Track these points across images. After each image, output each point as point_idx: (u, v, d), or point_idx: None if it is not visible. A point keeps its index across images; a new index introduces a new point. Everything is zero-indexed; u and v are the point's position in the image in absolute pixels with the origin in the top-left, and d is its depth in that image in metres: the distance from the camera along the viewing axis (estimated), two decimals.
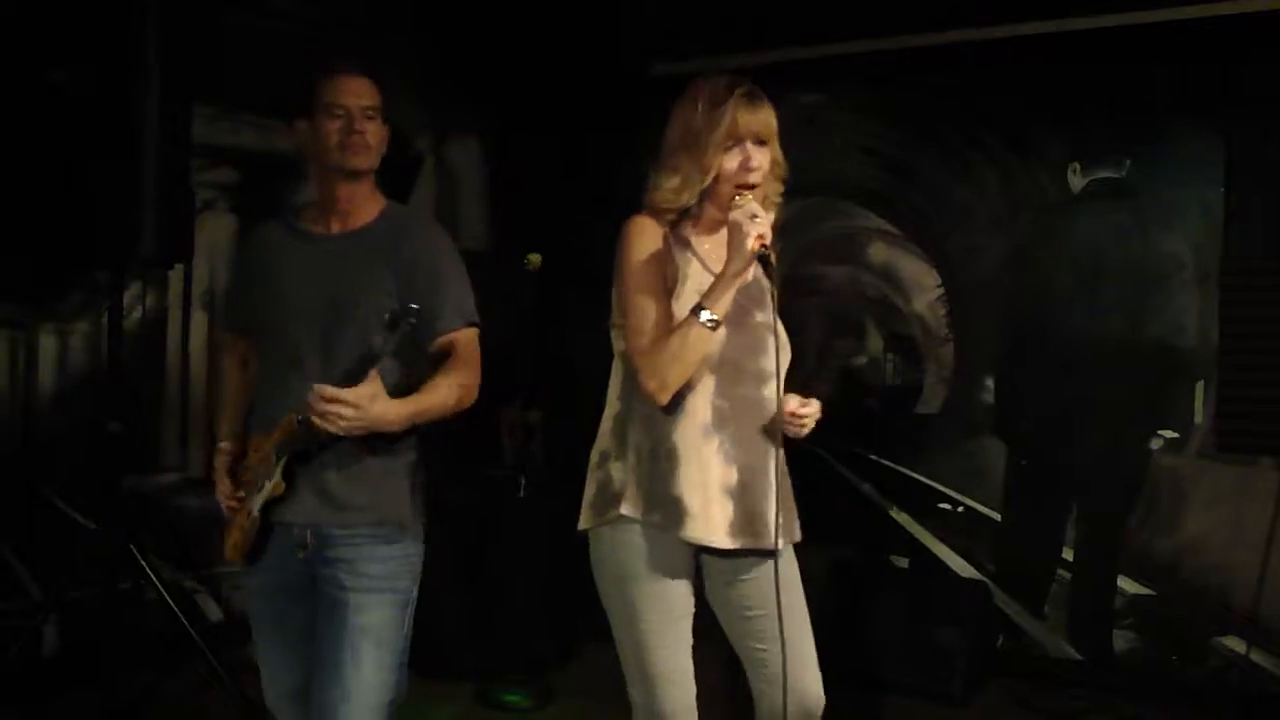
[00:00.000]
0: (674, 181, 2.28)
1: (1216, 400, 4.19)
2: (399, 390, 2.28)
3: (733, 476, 2.26)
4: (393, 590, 2.34)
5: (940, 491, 4.76)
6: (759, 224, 2.15)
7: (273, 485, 2.32)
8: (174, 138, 3.44)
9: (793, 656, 2.31)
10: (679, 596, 2.31)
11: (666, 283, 2.28)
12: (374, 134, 2.37)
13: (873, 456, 4.91)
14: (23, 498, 3.96)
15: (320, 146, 2.36)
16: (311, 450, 2.29)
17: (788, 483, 2.37)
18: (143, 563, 3.54)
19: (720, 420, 2.27)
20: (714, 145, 2.24)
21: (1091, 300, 4.42)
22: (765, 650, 2.33)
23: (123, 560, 3.52)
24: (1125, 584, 4.35)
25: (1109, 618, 4.37)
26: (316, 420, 2.16)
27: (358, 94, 2.35)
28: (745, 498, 2.27)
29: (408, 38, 4.87)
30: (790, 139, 2.37)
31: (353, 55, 2.40)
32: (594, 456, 2.38)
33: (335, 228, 2.41)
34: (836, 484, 4.93)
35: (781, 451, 2.33)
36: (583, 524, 2.36)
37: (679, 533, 2.24)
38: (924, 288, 4.89)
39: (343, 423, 2.15)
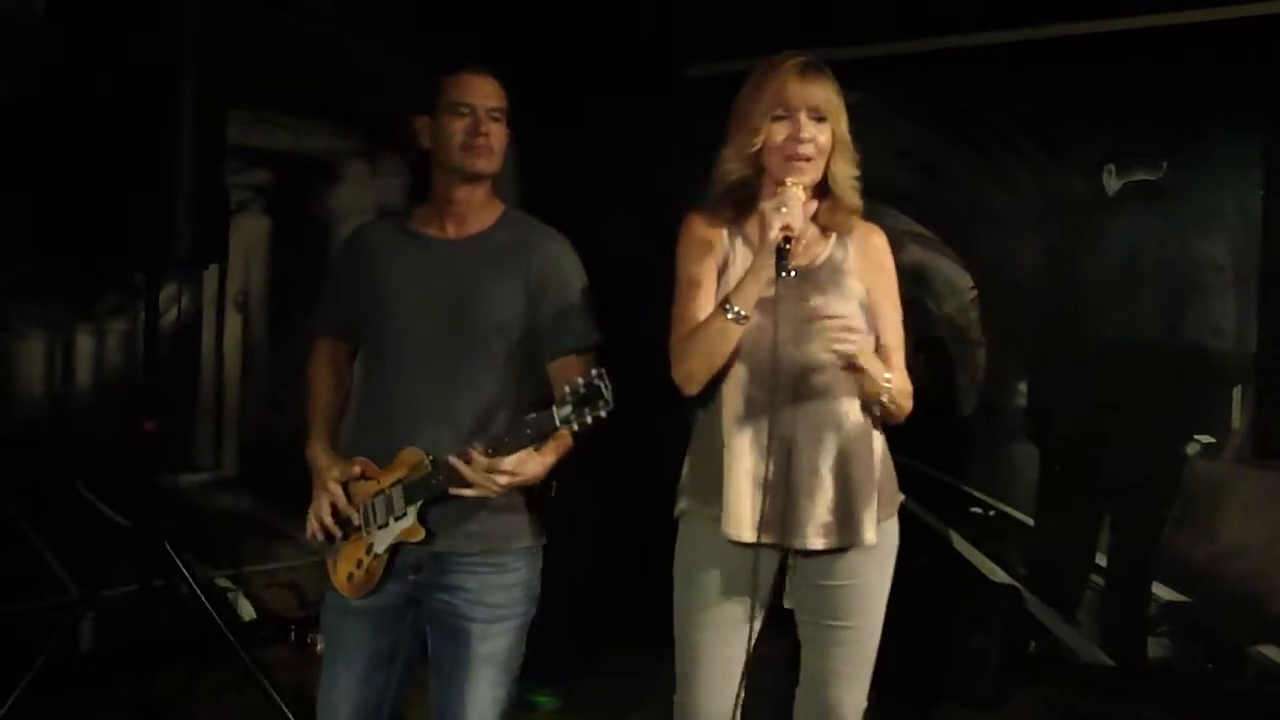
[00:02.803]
0: (729, 152, 2.23)
1: (1254, 405, 4.15)
2: (512, 405, 2.25)
3: (764, 469, 2.15)
4: (514, 616, 2.30)
5: (972, 495, 4.73)
6: (785, 214, 2.06)
7: (406, 529, 2.23)
8: (209, 140, 3.46)
9: (839, 669, 2.28)
10: (725, 600, 2.24)
11: (712, 277, 2.24)
12: (498, 137, 2.28)
13: (903, 460, 4.86)
14: (59, 495, 4.00)
15: (442, 146, 2.27)
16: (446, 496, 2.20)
17: (863, 478, 2.25)
18: (177, 561, 3.56)
19: (754, 411, 2.18)
20: (760, 112, 2.17)
21: (1126, 303, 4.38)
22: (818, 663, 2.28)
23: (158, 558, 3.55)
24: (1160, 590, 4.30)
25: (1143, 624, 4.33)
26: (464, 490, 2.11)
27: (485, 94, 2.26)
28: (781, 492, 2.16)
29: (439, 36, 4.88)
30: None
31: (475, 56, 2.32)
32: None
33: (451, 232, 2.32)
34: None
35: (873, 441, 2.29)
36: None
37: (721, 527, 2.18)
38: (956, 290, 4.86)
39: (496, 489, 2.10)
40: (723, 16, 4.78)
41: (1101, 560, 4.44)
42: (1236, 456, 4.20)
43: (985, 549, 4.66)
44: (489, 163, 2.27)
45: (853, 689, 2.30)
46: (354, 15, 4.73)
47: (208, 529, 4.38)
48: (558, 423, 1.98)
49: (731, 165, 2.23)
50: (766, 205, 2.10)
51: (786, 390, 2.17)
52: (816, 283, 2.22)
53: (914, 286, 4.93)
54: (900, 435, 2.38)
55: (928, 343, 4.90)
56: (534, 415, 2.03)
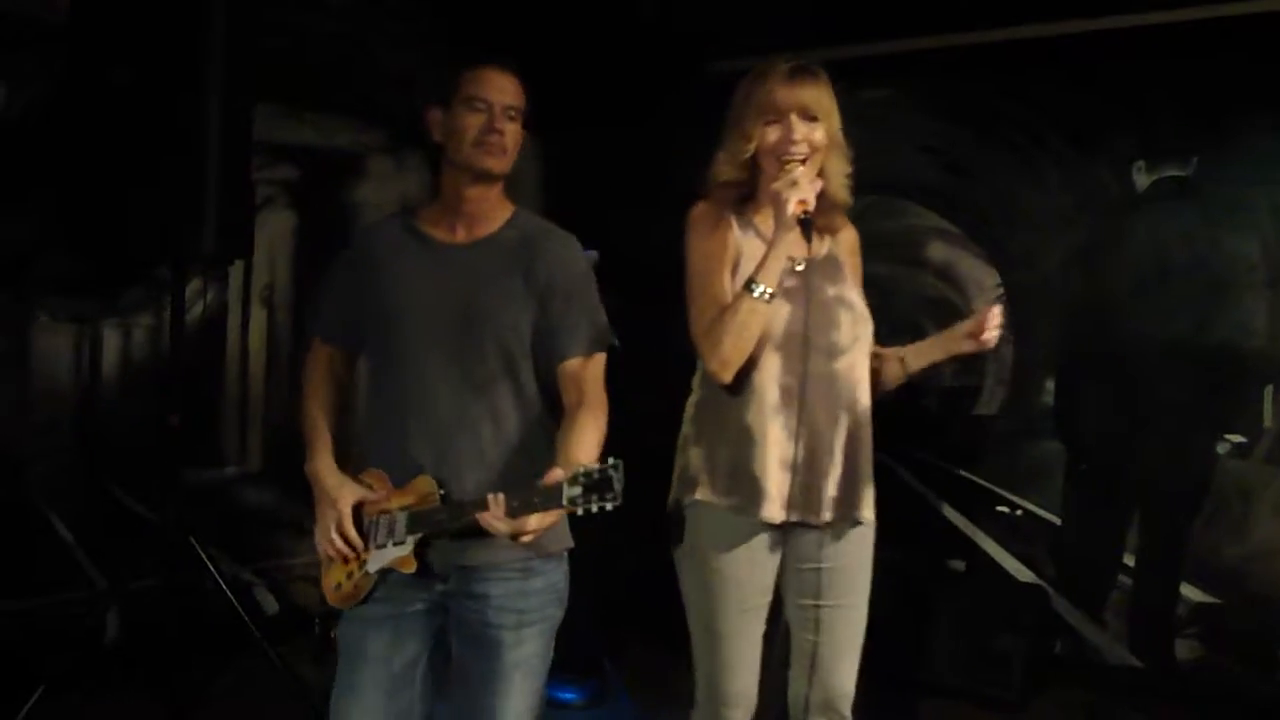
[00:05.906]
0: (723, 155, 2.34)
1: None
2: (537, 415, 2.20)
3: (793, 452, 2.25)
4: (543, 620, 2.23)
5: (998, 494, 4.70)
6: (799, 190, 2.18)
7: (401, 559, 2.15)
8: (235, 135, 3.47)
9: (836, 646, 2.35)
10: (754, 585, 2.32)
11: (727, 263, 2.30)
12: (512, 136, 2.19)
13: (930, 458, 4.86)
14: (86, 490, 4.03)
15: (454, 141, 2.18)
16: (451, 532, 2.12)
17: (865, 458, 2.34)
18: (202, 555, 3.58)
19: (787, 398, 2.26)
20: (751, 117, 2.28)
21: (1156, 301, 4.33)
22: (814, 641, 2.35)
23: (182, 552, 3.57)
24: (1189, 591, 4.26)
25: (1171, 626, 4.29)
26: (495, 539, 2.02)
27: (503, 90, 2.17)
28: (805, 472, 2.26)
29: (461, 36, 4.88)
30: (850, 137, 2.38)
31: (499, 50, 2.24)
32: (679, 440, 2.41)
33: (461, 235, 2.24)
34: (893, 485, 4.88)
35: (866, 429, 2.34)
36: (669, 504, 2.40)
37: (757, 514, 2.25)
38: (983, 287, 4.83)
39: (509, 534, 1.98)
40: (748, 11, 4.76)
41: (1130, 560, 4.40)
42: (1268, 456, 4.16)
43: (1012, 548, 4.63)
44: (500, 162, 2.19)
45: (851, 668, 2.39)
46: (379, 12, 4.74)
47: (232, 523, 4.41)
48: (564, 502, 1.88)
49: (723, 167, 2.34)
50: (778, 185, 2.21)
51: (814, 377, 2.26)
52: (826, 273, 2.36)
53: (940, 283, 4.90)
54: (927, 433, 2.42)
55: None
56: (543, 486, 1.93)
